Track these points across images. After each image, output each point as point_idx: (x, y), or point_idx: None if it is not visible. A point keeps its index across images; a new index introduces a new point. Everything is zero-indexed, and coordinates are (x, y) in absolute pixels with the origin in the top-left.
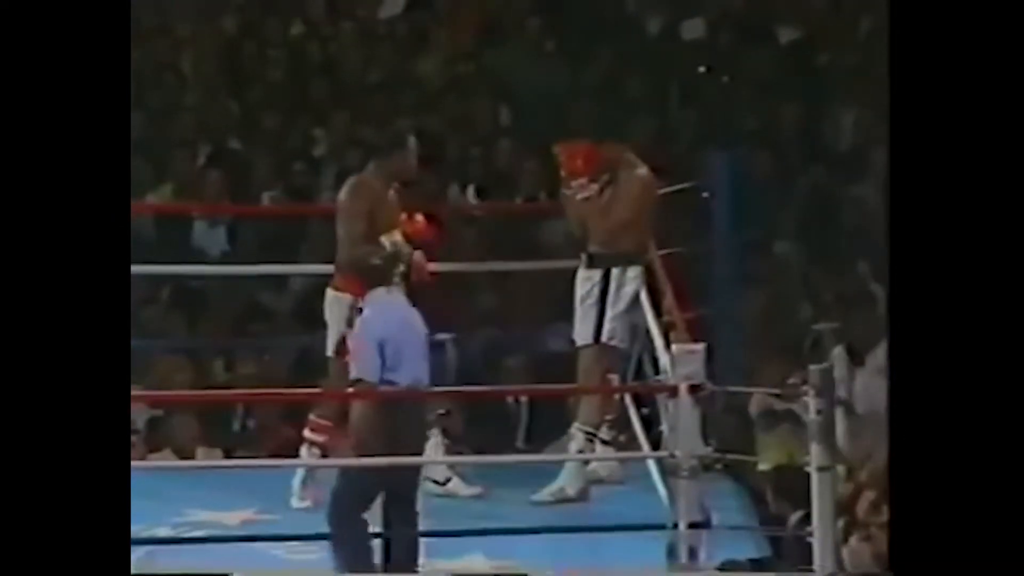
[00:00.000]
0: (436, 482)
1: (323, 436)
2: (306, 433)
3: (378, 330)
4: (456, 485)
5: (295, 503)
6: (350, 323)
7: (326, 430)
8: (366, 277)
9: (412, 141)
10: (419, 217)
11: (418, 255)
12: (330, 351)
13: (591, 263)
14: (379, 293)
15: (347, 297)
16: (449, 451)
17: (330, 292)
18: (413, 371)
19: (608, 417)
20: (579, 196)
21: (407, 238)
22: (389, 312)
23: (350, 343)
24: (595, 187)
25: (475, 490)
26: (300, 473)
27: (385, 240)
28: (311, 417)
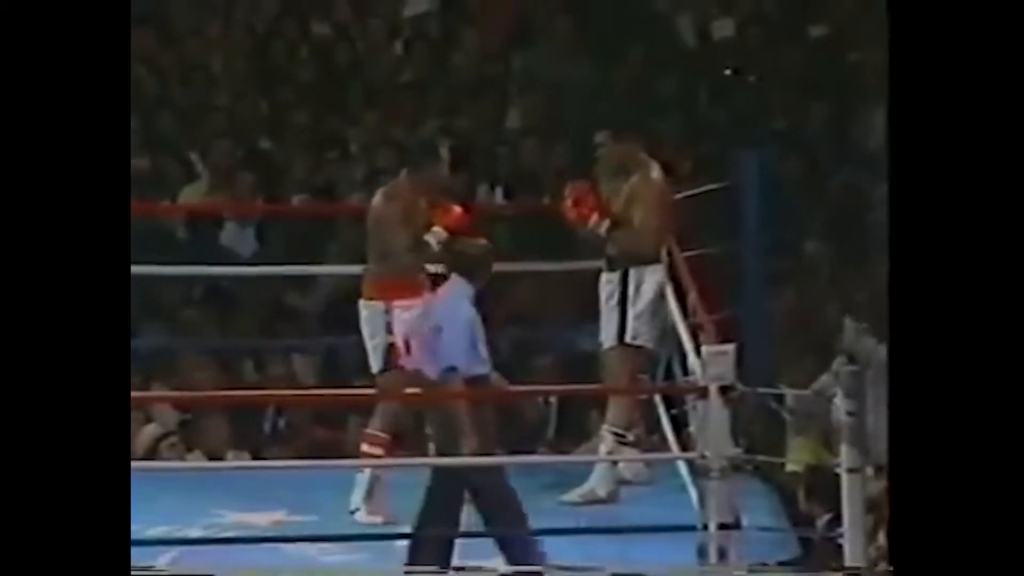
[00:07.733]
0: None
1: (380, 450)
2: (363, 447)
3: None
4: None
5: (361, 518)
6: (390, 329)
7: (383, 444)
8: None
9: (445, 152)
10: (454, 208)
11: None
12: (376, 366)
13: (611, 266)
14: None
15: (380, 304)
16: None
17: (363, 304)
18: None
19: (635, 418)
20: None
21: (448, 230)
22: None
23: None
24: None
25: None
26: (362, 488)
27: (430, 238)
28: (367, 431)
